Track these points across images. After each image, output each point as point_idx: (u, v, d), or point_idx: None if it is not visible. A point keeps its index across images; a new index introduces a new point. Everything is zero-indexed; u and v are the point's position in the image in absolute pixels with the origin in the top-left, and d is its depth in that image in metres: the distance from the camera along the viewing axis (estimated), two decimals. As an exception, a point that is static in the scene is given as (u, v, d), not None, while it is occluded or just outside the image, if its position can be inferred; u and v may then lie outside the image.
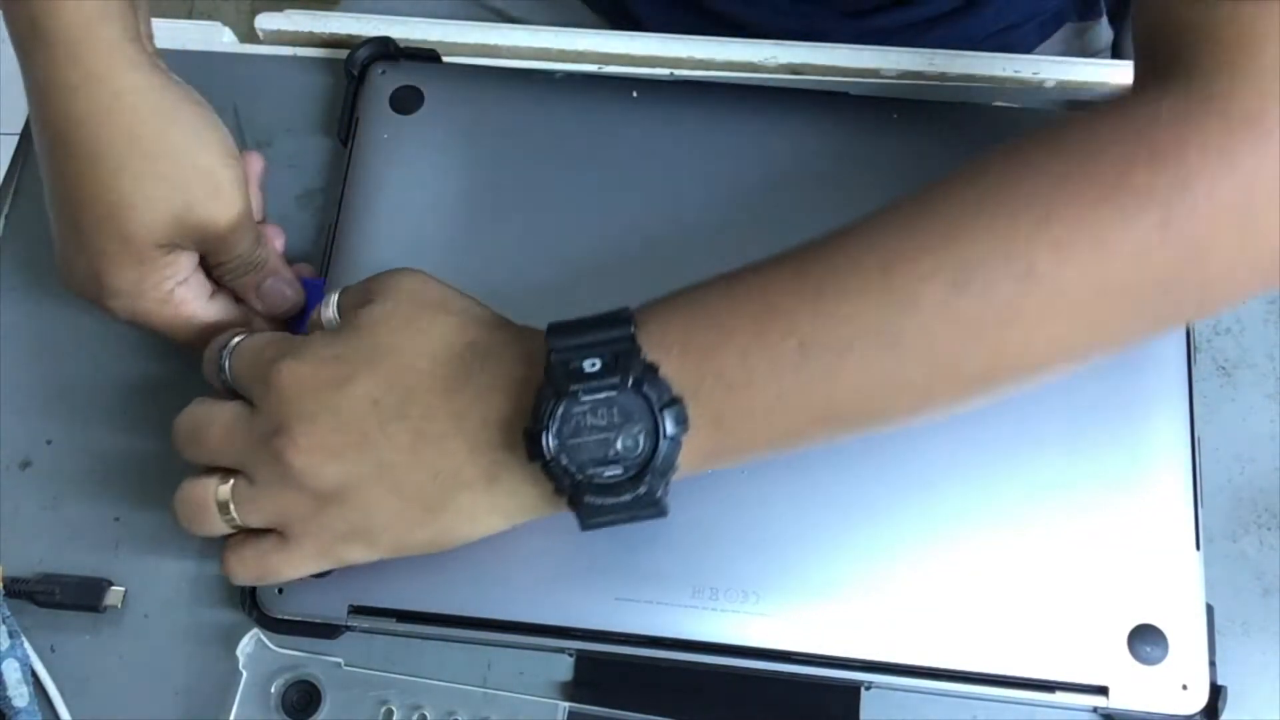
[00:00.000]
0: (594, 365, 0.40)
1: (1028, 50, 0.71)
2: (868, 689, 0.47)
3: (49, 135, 0.46)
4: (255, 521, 0.44)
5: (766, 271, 0.42)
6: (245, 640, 0.48)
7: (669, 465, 0.40)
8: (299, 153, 0.57)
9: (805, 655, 0.46)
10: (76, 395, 0.53)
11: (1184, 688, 0.45)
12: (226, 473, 0.44)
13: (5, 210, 0.57)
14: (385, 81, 0.56)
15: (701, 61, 0.58)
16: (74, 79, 0.45)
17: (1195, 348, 0.51)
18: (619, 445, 0.40)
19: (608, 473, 0.40)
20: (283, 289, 0.51)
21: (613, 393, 0.40)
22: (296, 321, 0.52)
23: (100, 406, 0.53)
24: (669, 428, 0.40)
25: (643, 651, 0.47)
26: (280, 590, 0.47)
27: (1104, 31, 0.74)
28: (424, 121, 0.55)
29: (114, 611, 0.50)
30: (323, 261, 0.53)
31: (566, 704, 0.47)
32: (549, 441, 0.40)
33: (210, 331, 0.49)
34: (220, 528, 0.44)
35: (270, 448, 0.42)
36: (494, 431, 0.42)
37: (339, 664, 0.48)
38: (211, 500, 0.43)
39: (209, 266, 0.50)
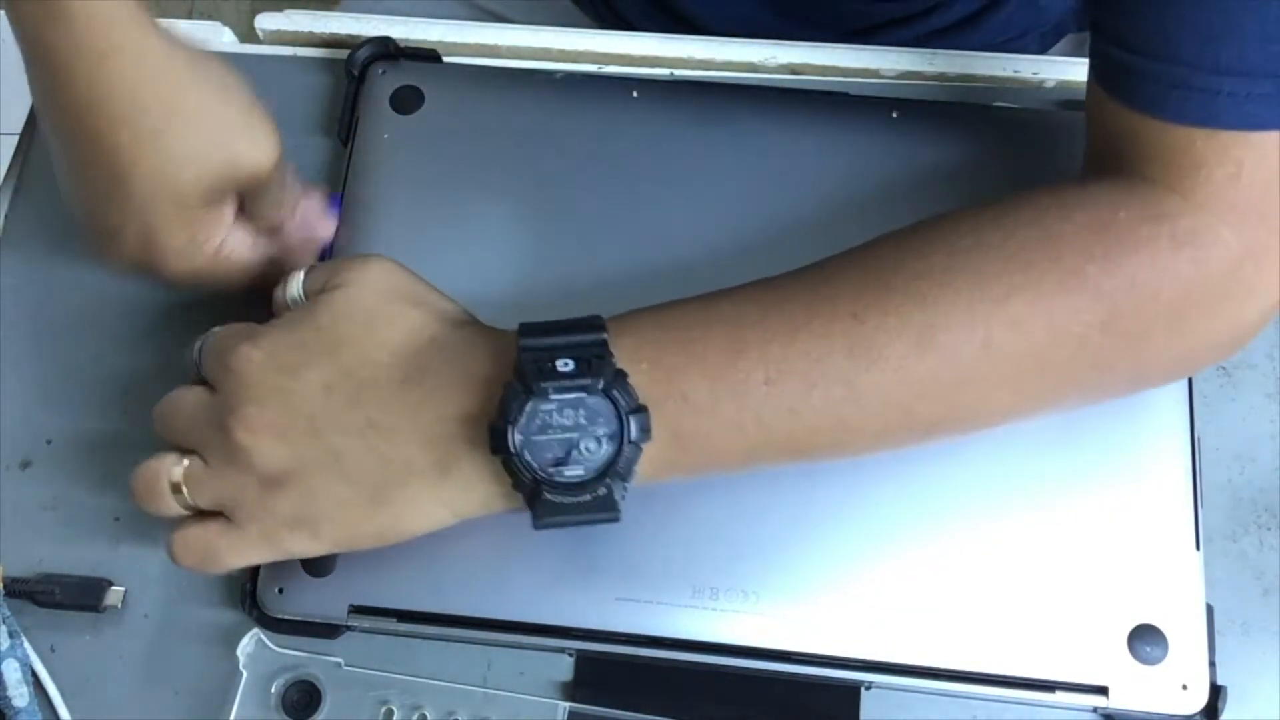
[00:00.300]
0: (567, 365, 0.41)
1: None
2: (868, 689, 0.47)
3: (73, 114, 0.45)
4: (204, 502, 0.44)
5: (743, 300, 0.44)
6: (245, 640, 0.48)
7: (629, 470, 0.41)
8: (299, 153, 0.57)
9: (805, 655, 0.46)
10: (76, 395, 0.53)
11: (1184, 688, 0.45)
12: (185, 455, 0.44)
13: (5, 210, 0.57)
14: (385, 81, 0.56)
15: (701, 61, 0.58)
16: (101, 47, 0.44)
17: (1195, 348, 0.51)
18: (583, 446, 0.41)
19: (569, 472, 0.41)
20: (313, 220, 0.52)
21: (582, 394, 0.41)
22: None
23: (100, 406, 0.53)
24: (633, 433, 0.41)
25: (643, 651, 0.47)
26: (280, 590, 0.47)
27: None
28: (424, 121, 0.55)
29: (114, 611, 0.50)
30: (323, 260, 0.53)
31: (566, 704, 0.47)
32: (514, 437, 0.40)
33: (257, 276, 0.50)
34: (171, 507, 0.44)
35: (222, 426, 0.43)
36: (450, 425, 0.42)
37: (339, 664, 0.48)
38: (164, 478, 0.44)
39: (245, 208, 0.50)
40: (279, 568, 0.48)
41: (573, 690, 0.48)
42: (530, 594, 0.47)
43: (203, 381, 0.46)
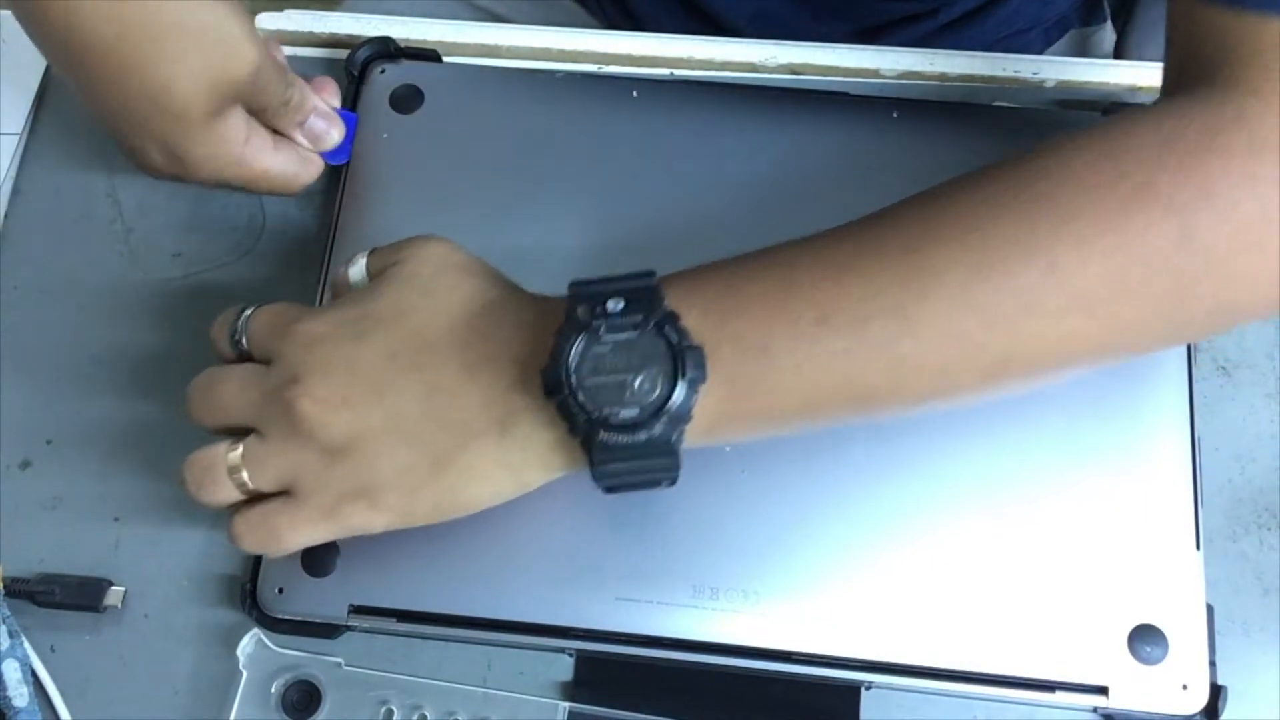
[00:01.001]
0: (618, 305, 0.40)
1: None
2: (868, 689, 0.47)
3: (66, 53, 0.47)
4: (264, 481, 0.44)
5: (791, 249, 0.43)
6: (245, 640, 0.48)
7: (685, 412, 0.40)
8: (299, 152, 0.57)
9: (805, 655, 0.46)
10: (76, 395, 0.53)
11: (1184, 688, 0.45)
12: (236, 439, 0.44)
13: (5, 210, 0.57)
14: (385, 81, 0.56)
15: (701, 61, 0.58)
16: None
17: (1195, 348, 0.51)
18: (636, 386, 0.40)
19: (624, 413, 0.40)
20: (320, 123, 0.53)
21: (633, 333, 0.40)
22: (340, 150, 0.54)
23: (100, 407, 0.53)
24: (688, 371, 0.40)
25: (643, 651, 0.47)
26: (280, 590, 0.47)
27: (1108, 36, 0.75)
28: (424, 121, 0.55)
29: (114, 611, 0.50)
30: (323, 261, 0.53)
31: (566, 704, 0.47)
32: (568, 378, 0.40)
33: (285, 177, 0.52)
34: (230, 493, 0.44)
35: (282, 399, 0.43)
36: (507, 383, 0.42)
37: (339, 664, 0.48)
38: (221, 464, 0.44)
39: (255, 114, 0.51)
40: (279, 568, 0.48)
41: (573, 690, 0.48)
42: (530, 594, 0.47)
43: (242, 358, 0.46)
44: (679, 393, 0.40)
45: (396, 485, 0.43)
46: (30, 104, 0.58)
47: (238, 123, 0.50)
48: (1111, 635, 0.46)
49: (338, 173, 0.55)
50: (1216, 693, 0.46)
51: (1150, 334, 0.43)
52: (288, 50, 0.59)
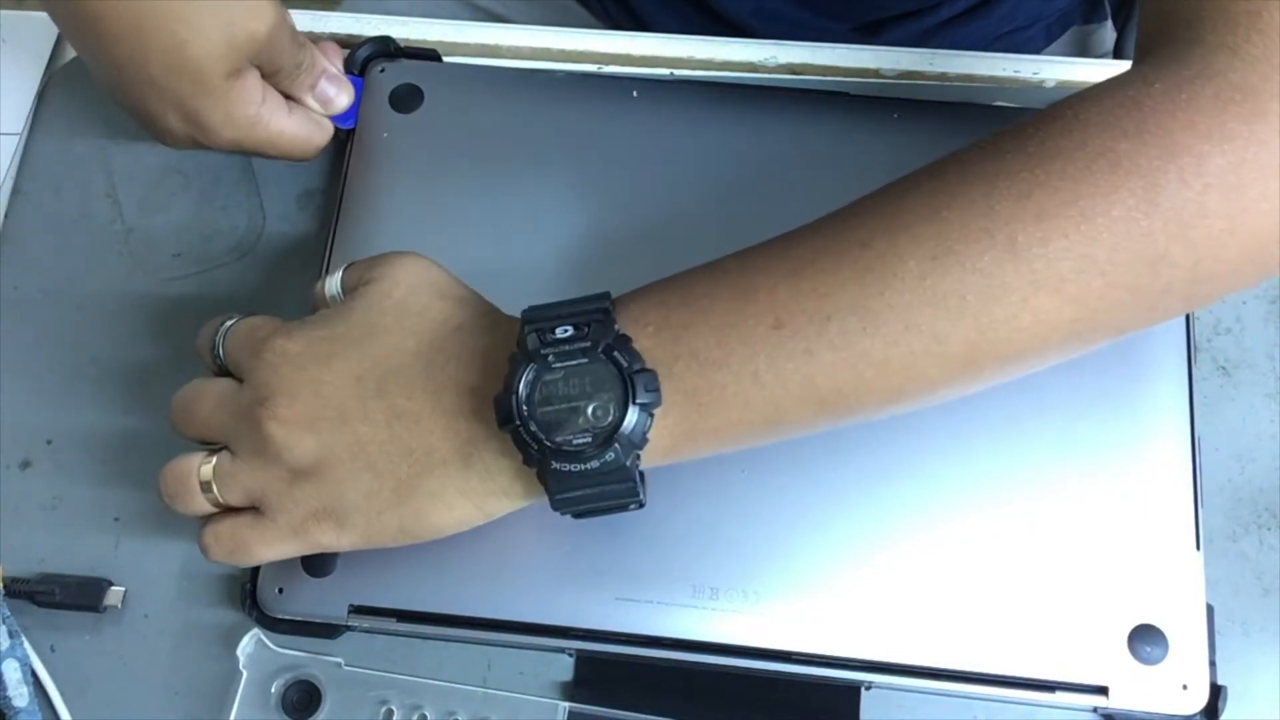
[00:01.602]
0: (565, 331, 0.40)
1: (1034, 54, 0.71)
2: (868, 689, 0.47)
3: (86, 24, 0.48)
4: (233, 497, 0.44)
5: (746, 255, 0.43)
6: (245, 640, 0.48)
7: (638, 437, 0.40)
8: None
9: (805, 655, 0.46)
10: (76, 395, 0.53)
11: (1184, 688, 0.45)
12: (211, 453, 0.44)
13: (5, 210, 0.57)
14: (385, 80, 0.56)
15: (701, 62, 0.58)
16: None
17: (1195, 348, 0.51)
18: (589, 413, 0.40)
19: (576, 440, 0.40)
20: (330, 87, 0.54)
21: (584, 359, 0.40)
22: (348, 115, 0.55)
23: (100, 406, 0.53)
24: (639, 396, 0.40)
25: (642, 651, 0.47)
26: (280, 590, 0.47)
27: (1108, 35, 0.75)
28: (424, 120, 0.55)
29: (114, 611, 0.50)
30: (323, 259, 0.53)
31: (566, 704, 0.47)
32: (518, 407, 0.40)
33: (299, 139, 0.53)
34: (201, 505, 0.44)
35: (252, 418, 0.43)
36: (470, 411, 0.42)
37: (339, 664, 0.48)
38: (194, 476, 0.44)
39: (268, 78, 0.52)
40: (279, 568, 0.48)
41: (572, 690, 0.48)
42: (530, 594, 0.47)
43: (224, 372, 0.46)
44: (630, 418, 0.40)
45: (361, 508, 0.43)
46: (30, 104, 0.58)
47: (254, 84, 0.50)
48: (1111, 635, 0.46)
49: (338, 171, 0.55)
50: (1216, 693, 0.46)
51: (1126, 310, 0.40)
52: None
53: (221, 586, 0.50)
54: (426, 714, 0.47)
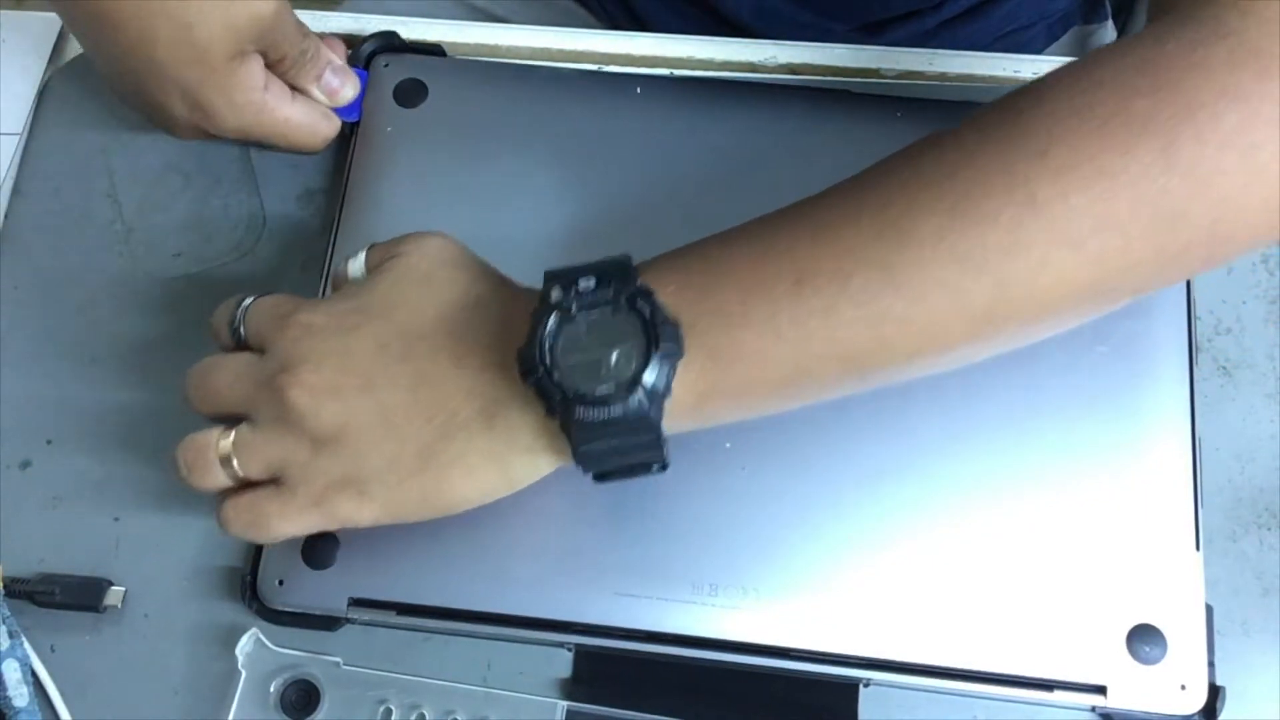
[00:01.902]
0: (589, 282, 0.40)
1: (1036, 54, 0.71)
2: (866, 686, 0.47)
3: (93, 17, 0.50)
4: (253, 469, 0.44)
5: (770, 219, 0.43)
6: (244, 639, 0.48)
7: (661, 386, 0.40)
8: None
9: (804, 652, 0.46)
10: (77, 395, 0.53)
11: (1182, 688, 0.45)
12: (229, 426, 0.44)
13: (5, 210, 0.57)
14: (389, 75, 0.56)
15: (701, 62, 0.58)
16: None
17: (1196, 348, 0.51)
18: (612, 362, 0.40)
19: (600, 389, 0.40)
20: (335, 78, 0.55)
21: (607, 308, 0.40)
22: (352, 108, 0.56)
23: (100, 407, 0.53)
24: (662, 345, 0.40)
25: (642, 647, 0.47)
26: (281, 581, 0.47)
27: (1109, 35, 0.75)
28: (428, 115, 0.55)
29: (114, 611, 0.50)
30: (326, 254, 0.53)
31: (565, 703, 0.47)
32: (541, 356, 0.40)
33: (305, 128, 0.54)
34: (220, 479, 0.44)
35: (274, 386, 0.43)
36: (493, 372, 0.42)
37: (338, 663, 0.48)
38: (212, 450, 0.44)
39: (272, 67, 0.53)
40: (280, 560, 0.48)
41: (570, 688, 0.48)
42: (529, 588, 0.47)
43: (240, 348, 0.46)
44: (653, 366, 0.39)
45: (384, 476, 0.43)
46: (30, 104, 0.59)
47: (257, 69, 0.51)
48: (1110, 635, 0.46)
49: (341, 165, 0.55)
50: (1215, 693, 0.46)
51: (1146, 269, 0.40)
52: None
53: (221, 587, 0.50)
54: (425, 713, 0.47)
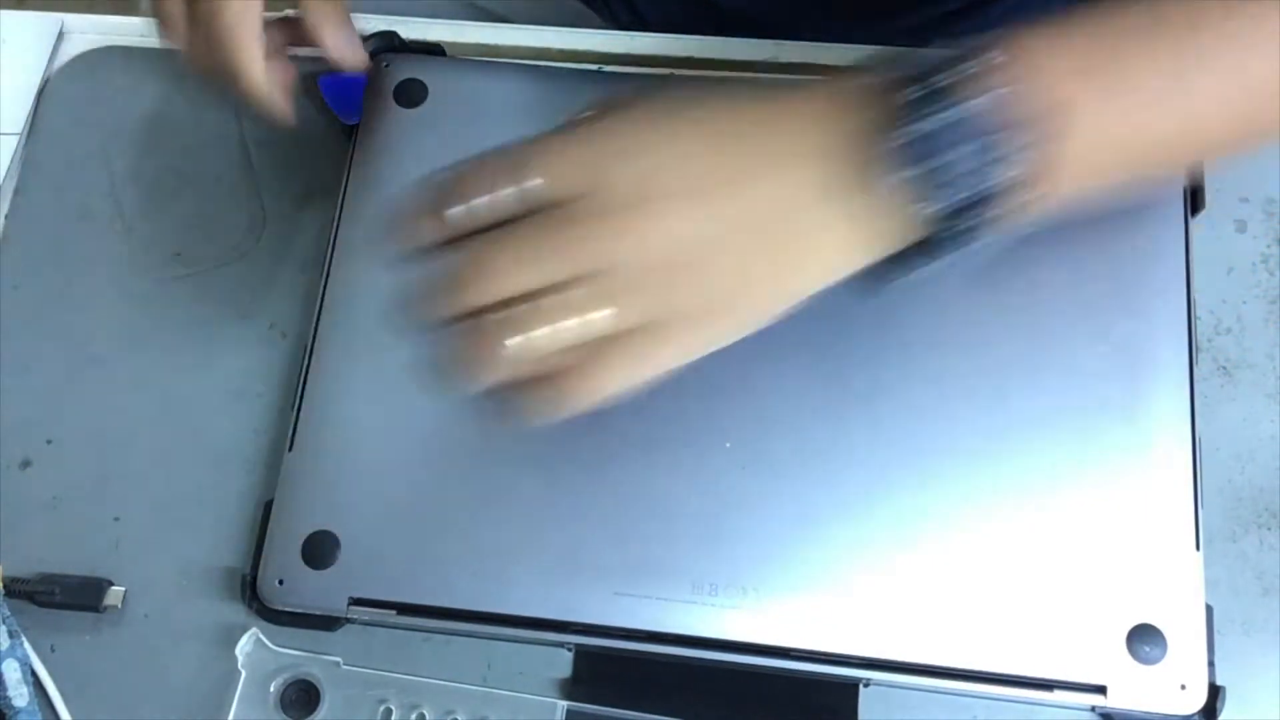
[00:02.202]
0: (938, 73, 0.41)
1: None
2: (866, 686, 0.47)
3: None
4: (630, 315, 0.40)
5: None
6: (244, 640, 0.48)
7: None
8: (303, 146, 0.57)
9: (804, 652, 0.46)
10: (77, 395, 0.53)
11: (1182, 687, 0.45)
12: (554, 296, 0.40)
13: (5, 210, 0.57)
14: (390, 74, 0.56)
15: (702, 61, 0.58)
16: None
17: (1196, 348, 0.51)
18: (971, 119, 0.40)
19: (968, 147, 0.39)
20: (343, 41, 0.53)
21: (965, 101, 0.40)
22: (351, 110, 0.55)
23: (100, 406, 0.53)
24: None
25: (642, 646, 0.47)
26: (281, 581, 0.47)
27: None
28: (428, 115, 0.55)
29: (114, 611, 0.50)
30: (326, 253, 0.53)
31: (564, 703, 0.47)
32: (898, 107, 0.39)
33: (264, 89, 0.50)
34: (510, 369, 0.40)
35: (607, 233, 0.40)
36: (830, 153, 0.40)
37: (338, 663, 0.48)
38: (590, 325, 0.40)
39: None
40: (279, 560, 0.48)
41: (570, 688, 0.48)
42: (530, 588, 0.47)
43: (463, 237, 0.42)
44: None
45: (738, 271, 0.41)
46: (30, 104, 0.59)
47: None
48: (1110, 635, 0.46)
49: (342, 165, 0.55)
50: (1215, 693, 0.46)
51: None
52: (290, 50, 0.59)
53: (221, 587, 0.50)
54: (425, 713, 0.47)
